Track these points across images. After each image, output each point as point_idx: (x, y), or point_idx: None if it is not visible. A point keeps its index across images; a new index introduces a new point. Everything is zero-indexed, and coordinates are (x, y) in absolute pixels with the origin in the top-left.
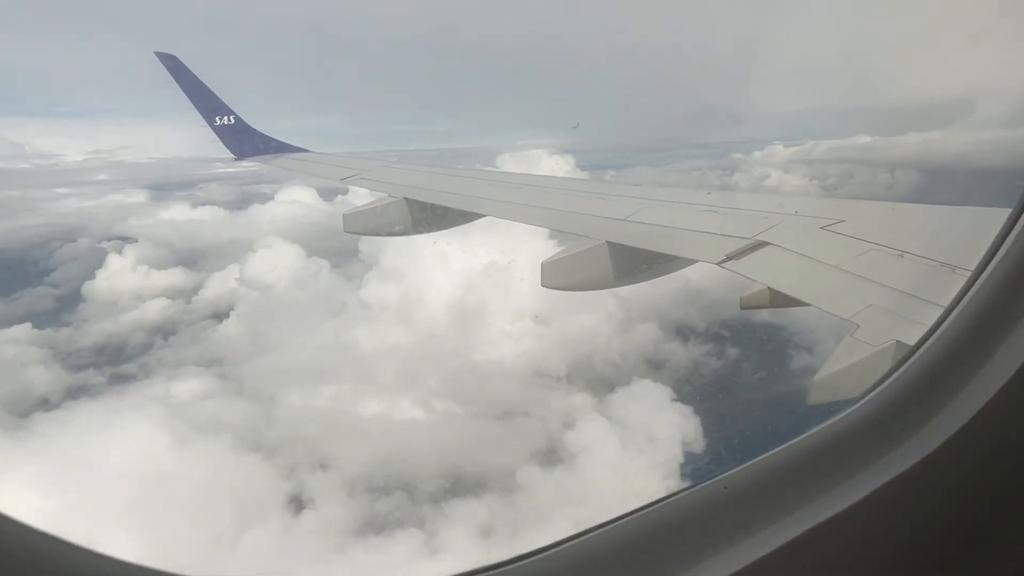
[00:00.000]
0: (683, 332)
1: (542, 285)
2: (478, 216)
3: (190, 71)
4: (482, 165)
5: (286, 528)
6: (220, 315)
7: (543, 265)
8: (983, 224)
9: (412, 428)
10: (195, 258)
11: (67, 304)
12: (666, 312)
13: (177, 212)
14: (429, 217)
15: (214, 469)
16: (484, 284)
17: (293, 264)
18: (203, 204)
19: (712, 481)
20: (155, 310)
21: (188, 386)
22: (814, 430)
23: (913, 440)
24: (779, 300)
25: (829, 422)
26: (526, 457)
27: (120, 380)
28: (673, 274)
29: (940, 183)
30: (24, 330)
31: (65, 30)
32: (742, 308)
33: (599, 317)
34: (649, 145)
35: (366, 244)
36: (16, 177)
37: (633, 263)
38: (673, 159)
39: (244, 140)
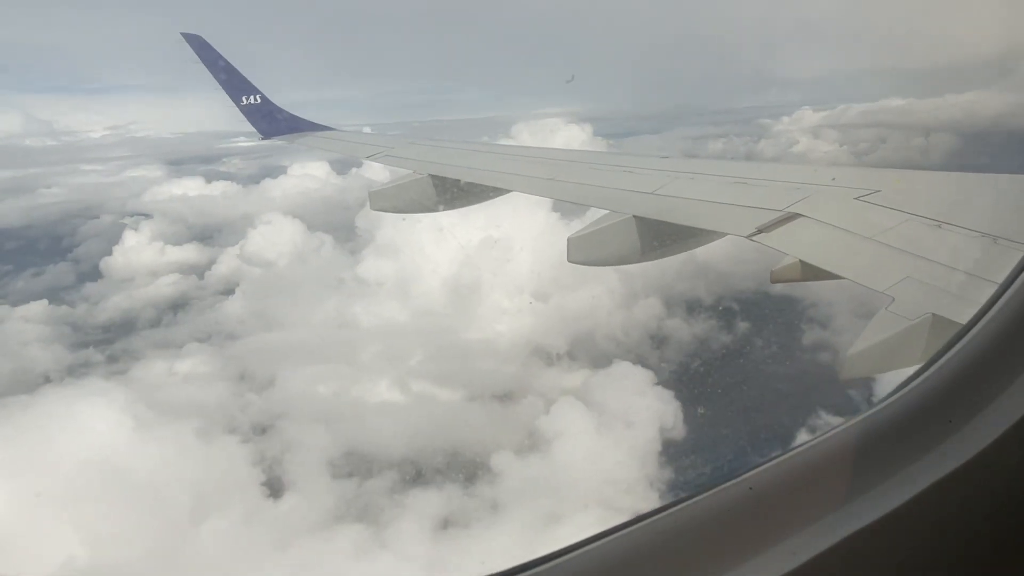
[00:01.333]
0: (689, 307)
1: (568, 260)
2: (503, 192)
3: (216, 51)
4: (502, 135)
5: (258, 513)
6: (228, 291)
7: (569, 240)
8: None
9: (391, 410)
10: (210, 233)
11: (86, 280)
12: (671, 286)
13: (190, 187)
14: (454, 194)
15: (182, 454)
16: (493, 260)
17: (294, 240)
18: (217, 179)
19: (735, 481)
20: (168, 286)
21: (178, 366)
22: (849, 423)
23: (962, 434)
24: (811, 273)
25: (867, 413)
26: (503, 442)
27: (117, 359)
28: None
29: (978, 147)
30: (40, 307)
31: (94, 6)
32: (773, 281)
33: (604, 292)
34: (673, 111)
35: (374, 219)
36: (42, 154)
37: (661, 237)
38: (699, 124)
39: (270, 119)
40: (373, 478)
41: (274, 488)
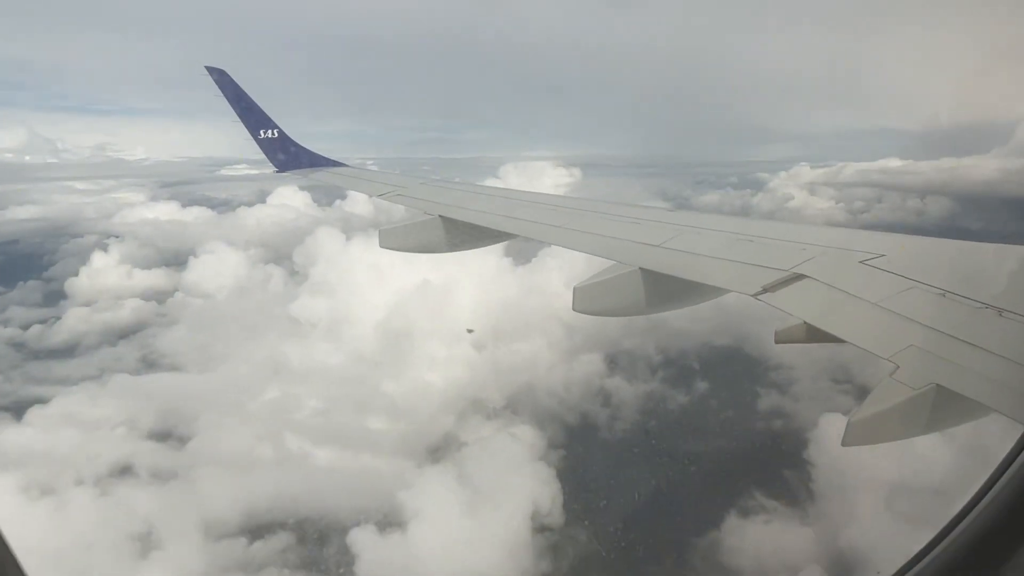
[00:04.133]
0: (635, 365)
1: (573, 309)
2: (511, 236)
3: (237, 85)
4: (504, 176)
5: None
6: (178, 321)
7: (575, 290)
8: None
9: (270, 468)
10: (184, 259)
11: (52, 300)
12: (617, 342)
13: (165, 211)
14: (463, 236)
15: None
16: (434, 305)
17: (236, 273)
18: (201, 204)
19: None
20: (125, 312)
21: (79, 402)
22: None
23: None
24: (815, 336)
25: None
26: (374, 515)
27: (17, 393)
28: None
29: (973, 212)
30: None
31: (113, 30)
32: (776, 342)
33: (539, 345)
34: (672, 161)
35: (313, 254)
36: (39, 171)
37: (666, 291)
38: (696, 176)
39: (286, 153)
40: (198, 555)
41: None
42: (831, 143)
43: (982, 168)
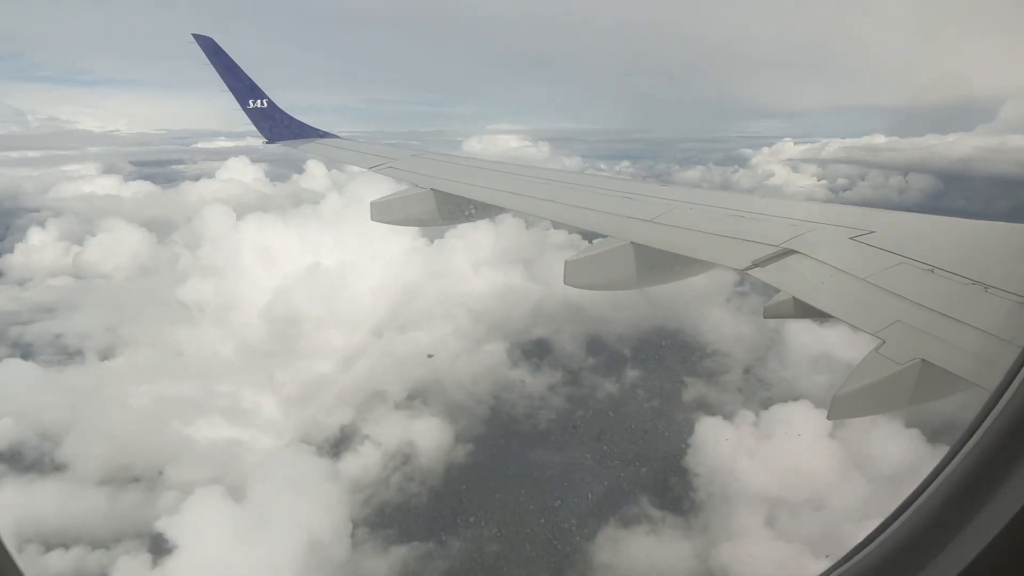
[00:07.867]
0: (539, 352)
1: (564, 283)
2: (502, 210)
3: (226, 54)
4: (484, 149)
5: None
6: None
7: (567, 263)
8: (1019, 242)
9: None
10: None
11: None
12: (527, 331)
13: (102, 186)
14: (455, 209)
15: None
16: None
17: (137, 252)
18: (163, 180)
19: None
20: (52, 291)
21: None
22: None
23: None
24: (803, 310)
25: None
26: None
27: None
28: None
29: (956, 189)
30: None
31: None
32: (765, 317)
33: (444, 332)
34: (655, 135)
35: (198, 234)
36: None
37: (657, 266)
38: (679, 150)
39: (276, 124)
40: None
41: None
42: (816, 119)
43: (965, 145)
